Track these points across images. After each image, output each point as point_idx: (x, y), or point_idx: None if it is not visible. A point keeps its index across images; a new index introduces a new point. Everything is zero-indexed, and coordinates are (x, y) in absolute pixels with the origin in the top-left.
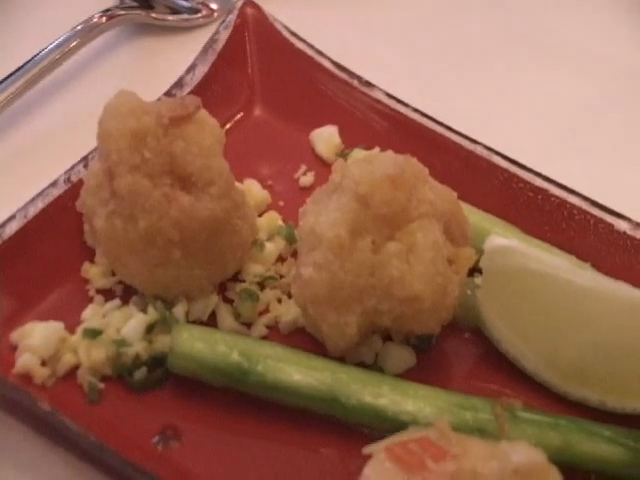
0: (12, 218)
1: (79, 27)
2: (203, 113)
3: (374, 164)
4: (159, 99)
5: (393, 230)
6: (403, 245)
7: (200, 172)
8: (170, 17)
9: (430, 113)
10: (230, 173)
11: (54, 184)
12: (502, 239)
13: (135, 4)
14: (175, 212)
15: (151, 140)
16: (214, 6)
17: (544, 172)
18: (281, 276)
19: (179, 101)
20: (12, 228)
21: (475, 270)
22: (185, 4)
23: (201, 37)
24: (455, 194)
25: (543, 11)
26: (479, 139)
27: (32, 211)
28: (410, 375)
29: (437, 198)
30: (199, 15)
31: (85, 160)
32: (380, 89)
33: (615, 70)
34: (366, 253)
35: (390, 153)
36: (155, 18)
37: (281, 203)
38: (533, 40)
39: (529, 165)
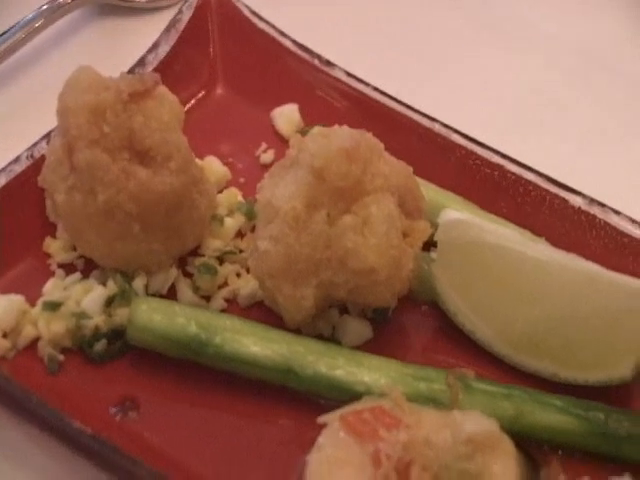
0: None
1: (44, 7)
2: (162, 89)
3: (330, 138)
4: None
5: (348, 203)
6: (358, 218)
7: (158, 147)
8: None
9: (390, 92)
10: (189, 148)
11: (16, 160)
12: (457, 213)
13: None
14: (133, 186)
15: (110, 115)
16: None
17: (502, 150)
18: (240, 251)
19: (138, 77)
20: None
21: (431, 244)
22: None
23: (165, 18)
24: (411, 169)
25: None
26: (439, 118)
27: None
28: (367, 347)
29: (392, 172)
30: None
31: (48, 137)
32: (340, 68)
33: (572, 57)
34: (321, 226)
35: (346, 128)
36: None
37: (241, 180)
38: (498, 27)
39: (488, 143)
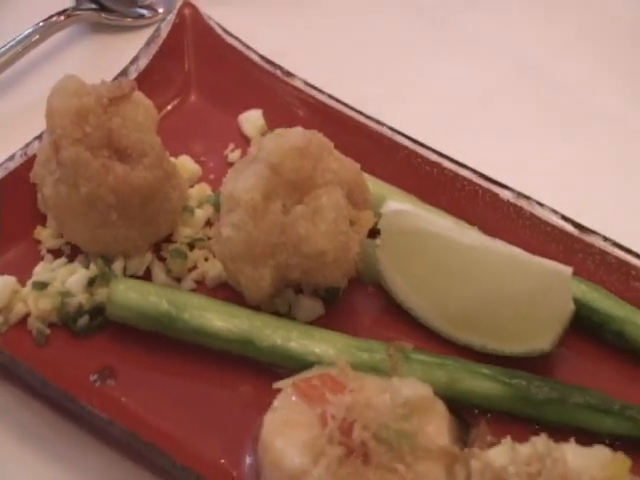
0: None
1: (40, 24)
2: (138, 95)
3: (285, 137)
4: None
5: (301, 195)
6: (309, 208)
7: (134, 145)
8: (120, 18)
9: (344, 99)
10: (162, 147)
11: (11, 158)
12: (397, 203)
13: (90, 6)
14: (112, 180)
15: (91, 117)
16: (160, 9)
17: (443, 150)
18: (209, 238)
19: (117, 84)
20: None
21: (376, 232)
22: (134, 8)
23: (146, 35)
24: (358, 165)
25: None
26: (386, 122)
27: None
28: (319, 323)
29: (341, 168)
30: (146, 16)
31: (40, 137)
32: (299, 78)
33: (507, 62)
34: (277, 215)
35: (299, 128)
36: (106, 18)
37: (211, 176)
38: (442, 34)
39: (429, 144)
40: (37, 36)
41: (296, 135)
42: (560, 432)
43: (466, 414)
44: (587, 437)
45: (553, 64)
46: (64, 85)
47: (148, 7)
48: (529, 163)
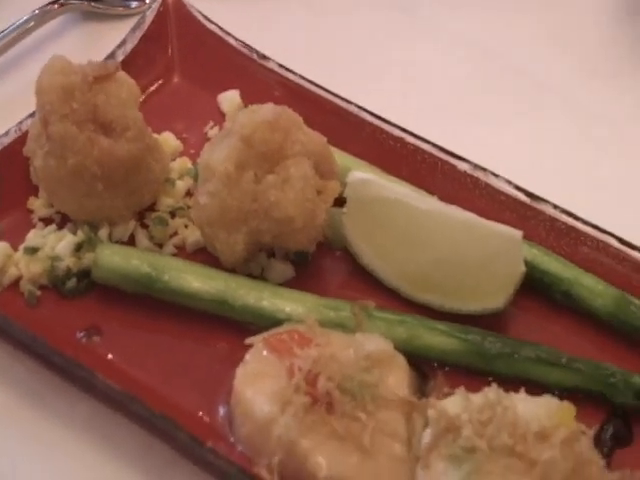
0: None
1: (36, 11)
2: (122, 74)
3: (256, 112)
4: None
5: (271, 165)
6: (279, 177)
7: (118, 119)
8: (110, 7)
9: (315, 79)
10: (143, 122)
11: (6, 134)
12: (361, 173)
13: None
14: (97, 152)
15: (78, 93)
16: (147, 0)
17: (406, 126)
18: (188, 207)
19: (102, 63)
20: None
21: (343, 201)
22: None
23: (133, 22)
24: (325, 139)
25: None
26: (353, 100)
27: None
28: (289, 284)
29: (309, 141)
30: (134, 5)
31: (33, 115)
32: (274, 61)
33: (475, 53)
34: (249, 183)
35: (270, 104)
36: (97, 7)
37: (192, 151)
38: (415, 27)
39: (394, 121)
40: (32, 23)
41: (267, 110)
42: (511, 384)
43: (425, 367)
44: (537, 388)
45: (516, 55)
46: (52, 64)
47: None
48: (488, 140)
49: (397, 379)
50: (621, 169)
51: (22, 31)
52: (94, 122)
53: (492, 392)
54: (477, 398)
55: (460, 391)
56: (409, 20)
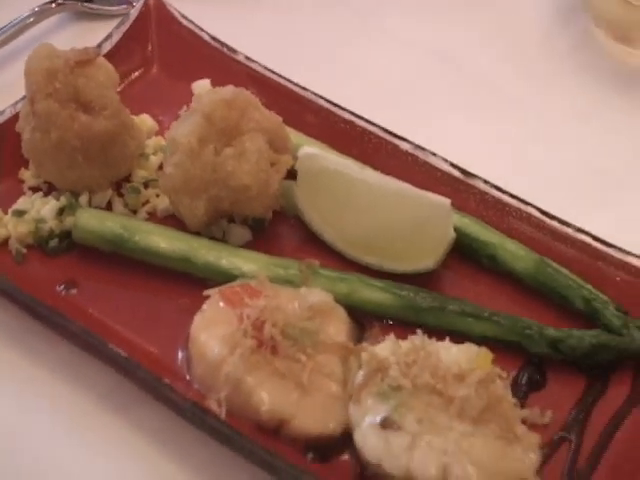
0: None
1: (36, 9)
2: (101, 59)
3: (217, 93)
4: None
5: (229, 139)
6: (236, 150)
7: (97, 99)
8: (101, 7)
9: (278, 71)
10: (120, 102)
11: (2, 113)
12: (311, 148)
13: None
14: (77, 127)
15: (60, 75)
16: (134, 3)
17: (361, 110)
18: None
19: (83, 50)
20: None
21: (295, 174)
22: (114, 1)
23: None
24: (280, 119)
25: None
26: (309, 87)
27: None
28: (247, 247)
29: (264, 119)
30: (122, 7)
31: (24, 98)
32: (242, 53)
33: (425, 51)
34: (210, 156)
35: (230, 86)
36: (90, 7)
37: (167, 131)
38: (371, 30)
39: (348, 107)
40: (31, 19)
41: (226, 91)
42: (440, 334)
43: (362, 319)
44: (461, 338)
45: (463, 54)
46: (39, 50)
47: (126, 1)
48: (428, 124)
49: (336, 328)
50: (544, 152)
51: (22, 26)
52: (75, 101)
53: (418, 339)
54: (405, 344)
55: (391, 338)
56: (367, 27)
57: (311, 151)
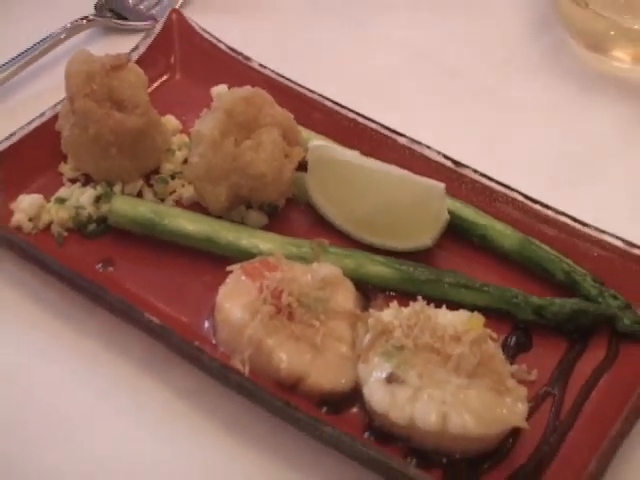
0: (13, 134)
1: (68, 25)
2: (132, 64)
3: (236, 91)
4: None
5: (248, 132)
6: (254, 142)
7: (129, 99)
8: (128, 22)
9: (290, 76)
10: (149, 102)
11: (42, 114)
12: (319, 141)
13: (107, 14)
14: (112, 123)
15: (97, 78)
16: (158, 19)
17: (360, 108)
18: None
19: (116, 55)
20: (13, 139)
21: (307, 165)
22: (139, 17)
23: None
24: (292, 115)
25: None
26: (322, 90)
27: (26, 130)
28: (263, 229)
29: (278, 115)
30: (147, 22)
31: (62, 101)
32: (256, 61)
33: (408, 51)
34: (230, 147)
35: (248, 86)
36: (118, 23)
37: (189, 130)
38: (357, 33)
39: (348, 104)
40: (64, 35)
41: (244, 90)
42: (436, 304)
43: (368, 291)
44: (456, 307)
45: (431, 50)
46: (77, 56)
47: (150, 17)
48: (423, 121)
49: (345, 297)
50: (528, 145)
51: (56, 41)
52: (110, 100)
53: (418, 304)
54: (406, 310)
55: (393, 305)
56: (353, 29)
57: (320, 143)
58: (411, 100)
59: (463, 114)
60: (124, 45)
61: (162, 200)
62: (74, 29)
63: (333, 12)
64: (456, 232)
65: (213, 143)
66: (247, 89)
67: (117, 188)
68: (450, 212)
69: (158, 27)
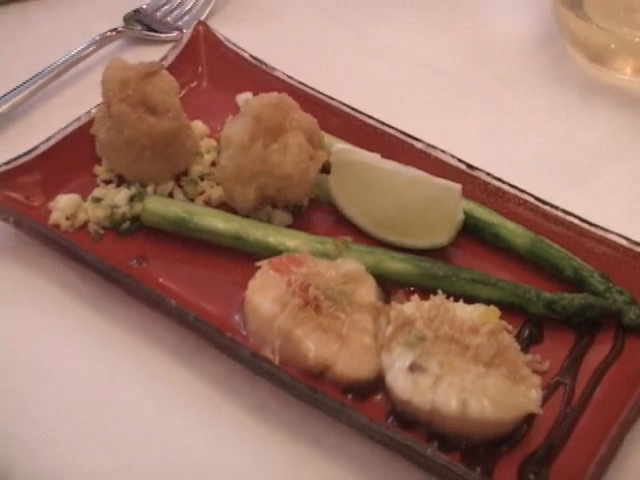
0: (51, 138)
1: (97, 38)
2: (164, 72)
3: (264, 97)
4: None
5: (275, 136)
6: (281, 145)
7: (161, 104)
8: (157, 34)
9: (311, 84)
10: (180, 107)
11: (78, 119)
12: (342, 145)
13: (135, 26)
14: (145, 127)
15: (132, 84)
16: (185, 30)
17: (375, 114)
18: (213, 173)
19: (150, 63)
20: (51, 142)
21: (329, 167)
22: (167, 28)
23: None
24: (315, 120)
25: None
26: (337, 95)
27: (63, 133)
28: (288, 227)
29: (303, 120)
30: (174, 34)
31: (96, 107)
32: (280, 70)
33: (406, 59)
34: (259, 150)
35: (274, 92)
36: (146, 34)
37: (216, 135)
38: (360, 41)
39: (363, 109)
40: (94, 47)
41: (272, 96)
42: (454, 298)
43: (388, 287)
44: (472, 301)
45: (440, 60)
46: (113, 63)
47: (177, 28)
48: (438, 127)
49: (367, 291)
50: (534, 150)
51: (87, 52)
52: (144, 105)
53: (438, 298)
54: (427, 303)
55: (414, 298)
56: (355, 37)
57: (343, 146)
58: (423, 108)
59: (470, 121)
60: (151, 55)
61: (192, 200)
62: (104, 40)
63: (348, 23)
64: (470, 231)
65: (242, 146)
66: (274, 95)
67: (150, 188)
68: (464, 212)
69: (185, 38)
